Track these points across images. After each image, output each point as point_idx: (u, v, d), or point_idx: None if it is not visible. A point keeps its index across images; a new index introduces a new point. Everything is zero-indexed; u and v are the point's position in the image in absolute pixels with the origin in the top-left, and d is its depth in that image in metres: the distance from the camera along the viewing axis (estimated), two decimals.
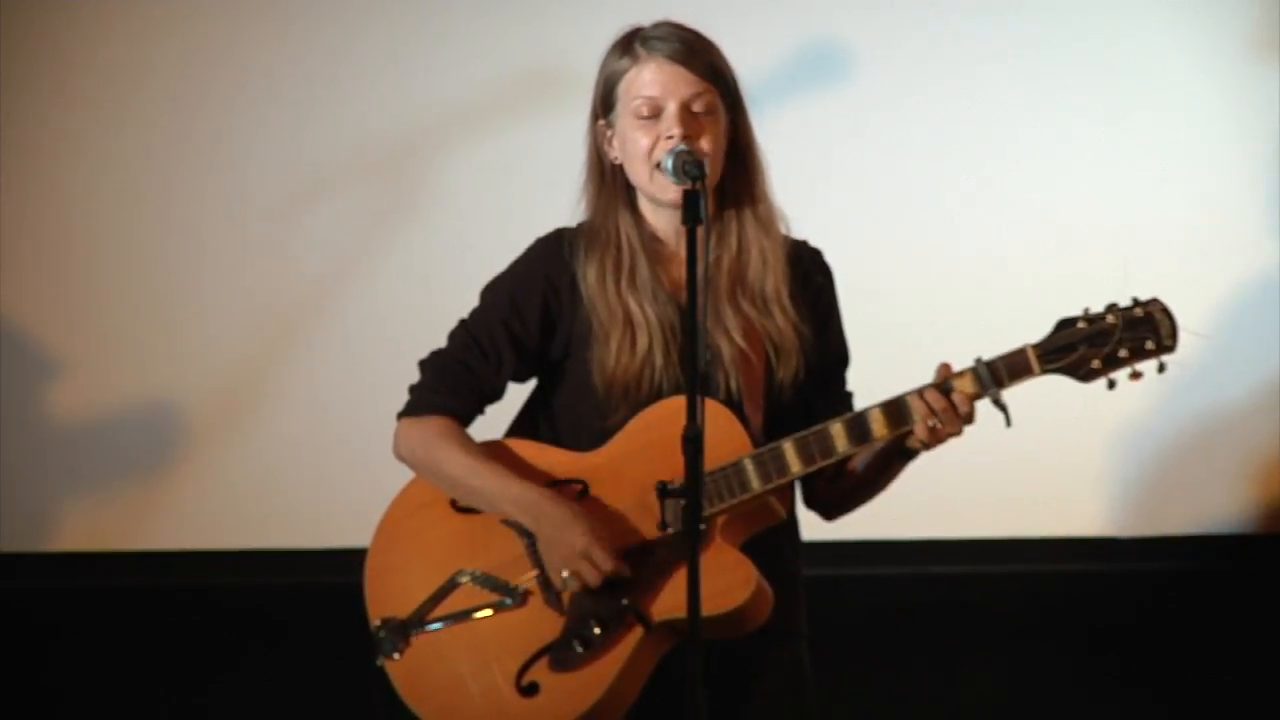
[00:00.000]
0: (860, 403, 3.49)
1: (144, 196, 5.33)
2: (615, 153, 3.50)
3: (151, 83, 5.31)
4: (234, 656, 5.33)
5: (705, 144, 3.42)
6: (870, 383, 3.56)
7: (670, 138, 3.41)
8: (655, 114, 3.44)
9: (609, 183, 3.52)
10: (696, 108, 3.44)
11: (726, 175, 3.49)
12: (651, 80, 3.44)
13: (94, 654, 5.35)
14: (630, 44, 3.48)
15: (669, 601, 3.36)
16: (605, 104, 3.50)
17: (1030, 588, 5.32)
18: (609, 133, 3.50)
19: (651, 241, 3.52)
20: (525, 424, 3.57)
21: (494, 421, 3.58)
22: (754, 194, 3.51)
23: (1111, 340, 3.35)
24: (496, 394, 3.56)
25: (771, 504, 3.42)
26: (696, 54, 3.45)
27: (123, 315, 5.32)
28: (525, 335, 3.52)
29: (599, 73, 3.52)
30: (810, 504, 3.58)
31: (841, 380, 3.60)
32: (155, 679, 5.34)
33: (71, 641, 5.36)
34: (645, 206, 3.53)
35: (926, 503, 5.08)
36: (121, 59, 5.31)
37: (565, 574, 3.38)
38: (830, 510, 3.59)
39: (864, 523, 3.72)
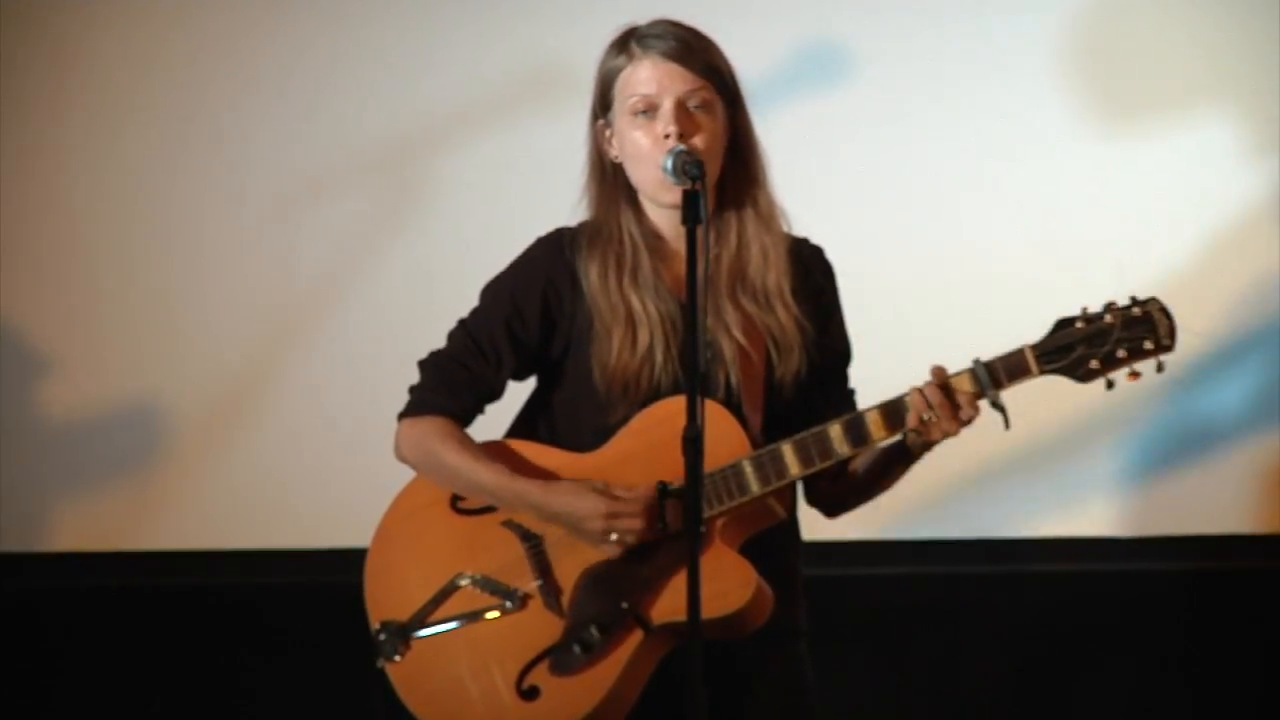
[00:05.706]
0: (859, 403, 3.49)
1: (144, 195, 5.32)
2: (615, 151, 3.51)
3: (152, 82, 5.31)
4: (234, 656, 5.33)
5: (699, 141, 3.42)
6: (867, 383, 3.57)
7: (667, 136, 3.41)
8: (651, 111, 3.44)
9: (610, 181, 3.53)
10: (692, 104, 3.44)
11: (726, 172, 3.49)
12: (647, 78, 3.44)
13: (93, 654, 5.35)
14: (626, 43, 3.48)
15: (668, 604, 3.36)
16: (603, 103, 3.51)
17: (1030, 588, 5.31)
18: (608, 132, 3.51)
19: (653, 238, 3.52)
20: (524, 424, 3.57)
21: (495, 421, 3.58)
22: (754, 190, 3.51)
23: (1110, 340, 3.34)
24: (495, 394, 3.56)
25: (771, 505, 3.42)
26: (692, 51, 3.45)
27: (122, 314, 5.32)
28: (525, 335, 3.52)
29: (596, 72, 3.52)
30: (812, 501, 3.57)
31: (843, 377, 3.59)
32: (155, 679, 5.34)
33: (71, 642, 5.36)
34: (646, 203, 3.52)
35: (926, 503, 5.08)
36: (121, 59, 5.31)
37: (613, 537, 3.37)
38: (832, 508, 3.59)
39: (864, 523, 3.73)
